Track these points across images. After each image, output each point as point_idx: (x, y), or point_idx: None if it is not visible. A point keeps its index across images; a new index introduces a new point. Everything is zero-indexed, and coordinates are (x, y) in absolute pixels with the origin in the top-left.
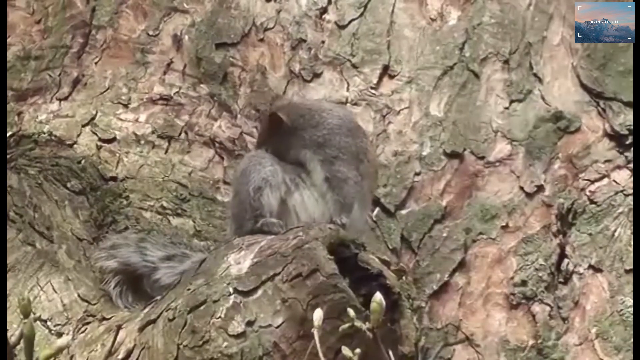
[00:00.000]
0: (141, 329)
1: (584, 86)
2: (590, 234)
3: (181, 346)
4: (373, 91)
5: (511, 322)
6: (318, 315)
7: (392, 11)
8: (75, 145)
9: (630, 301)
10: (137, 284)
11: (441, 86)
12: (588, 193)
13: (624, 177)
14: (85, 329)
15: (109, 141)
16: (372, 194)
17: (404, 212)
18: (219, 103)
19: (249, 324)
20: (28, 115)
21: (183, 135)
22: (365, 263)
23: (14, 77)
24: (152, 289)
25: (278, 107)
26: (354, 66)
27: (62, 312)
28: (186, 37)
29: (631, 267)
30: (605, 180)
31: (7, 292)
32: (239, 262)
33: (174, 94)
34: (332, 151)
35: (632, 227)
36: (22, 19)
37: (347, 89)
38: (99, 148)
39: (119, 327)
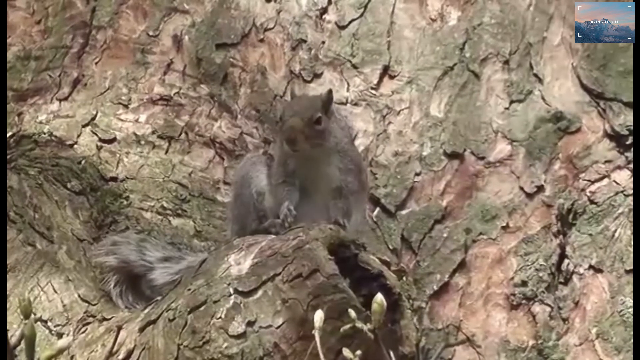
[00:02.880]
0: (141, 330)
1: (584, 87)
2: (590, 235)
3: (181, 346)
4: (373, 91)
5: (511, 323)
6: (319, 316)
7: (393, 11)
8: (75, 146)
9: (630, 301)
10: (136, 284)
11: (441, 86)
12: (588, 193)
13: (624, 177)
14: (86, 329)
15: (109, 141)
16: (366, 203)
17: (404, 212)
18: (219, 103)
19: (250, 324)
20: (28, 116)
21: (183, 135)
22: (366, 263)
23: (14, 78)
24: (150, 289)
25: None
26: (354, 66)
27: (62, 312)
28: (186, 37)
29: (631, 267)
30: (606, 181)
31: (8, 292)
32: (239, 262)
33: (174, 94)
34: (348, 162)
35: (632, 228)
36: (23, 20)
37: (348, 89)
38: (99, 148)
39: (120, 328)
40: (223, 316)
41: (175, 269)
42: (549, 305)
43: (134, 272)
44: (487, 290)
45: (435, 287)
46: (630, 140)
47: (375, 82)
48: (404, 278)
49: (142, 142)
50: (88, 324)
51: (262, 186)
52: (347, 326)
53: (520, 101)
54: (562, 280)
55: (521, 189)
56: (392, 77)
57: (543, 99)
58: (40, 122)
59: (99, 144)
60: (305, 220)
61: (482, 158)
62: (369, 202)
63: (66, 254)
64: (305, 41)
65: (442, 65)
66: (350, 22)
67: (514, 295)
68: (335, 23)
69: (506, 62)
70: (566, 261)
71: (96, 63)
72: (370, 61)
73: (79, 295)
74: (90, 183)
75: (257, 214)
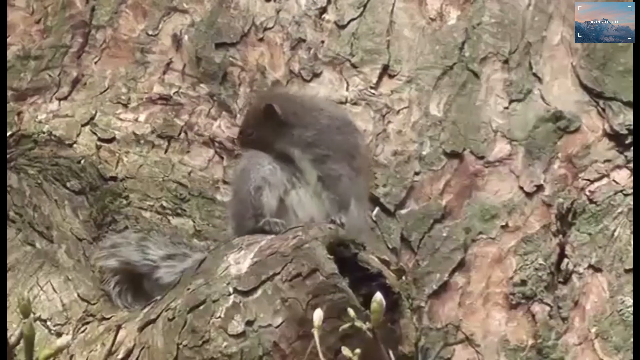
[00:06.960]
0: (141, 329)
1: (583, 86)
2: (589, 234)
3: (181, 346)
4: (373, 91)
5: (511, 322)
6: (318, 315)
7: (392, 11)
8: (74, 145)
9: (630, 301)
10: (136, 284)
11: (441, 86)
12: (588, 193)
13: (624, 176)
14: (85, 328)
15: (108, 141)
16: (367, 189)
17: (403, 211)
18: (219, 103)
19: (249, 323)
20: (28, 115)
21: (182, 135)
22: (365, 263)
23: (14, 77)
24: (153, 288)
25: (274, 97)
26: (354, 66)
27: (61, 311)
28: (186, 36)
29: (631, 266)
30: (605, 180)
31: (7, 291)
32: (239, 261)
33: (174, 93)
34: (322, 150)
35: (631, 227)
36: (22, 19)
37: (347, 89)
38: (98, 148)
39: (119, 327)
40: (222, 315)
41: (180, 268)
42: (548, 305)
43: (137, 272)
44: (486, 289)
45: (434, 287)
46: (629, 140)
47: (374, 81)
48: (404, 277)
49: (142, 142)
50: (87, 323)
51: (259, 182)
52: (346, 325)
53: (519, 100)
54: (561, 279)
55: (521, 188)
56: (391, 77)
57: (542, 98)
58: (40, 122)
59: (99, 143)
60: (305, 209)
61: (482, 157)
62: (368, 201)
63: (65, 253)
64: (304, 40)
65: (442, 64)
66: (349, 22)
67: (513, 294)
68: (335, 22)
69: (505, 62)
70: (565, 260)
71: (95, 62)
72: (370, 60)
73: (78, 295)
74: (90, 182)
75: (253, 212)
